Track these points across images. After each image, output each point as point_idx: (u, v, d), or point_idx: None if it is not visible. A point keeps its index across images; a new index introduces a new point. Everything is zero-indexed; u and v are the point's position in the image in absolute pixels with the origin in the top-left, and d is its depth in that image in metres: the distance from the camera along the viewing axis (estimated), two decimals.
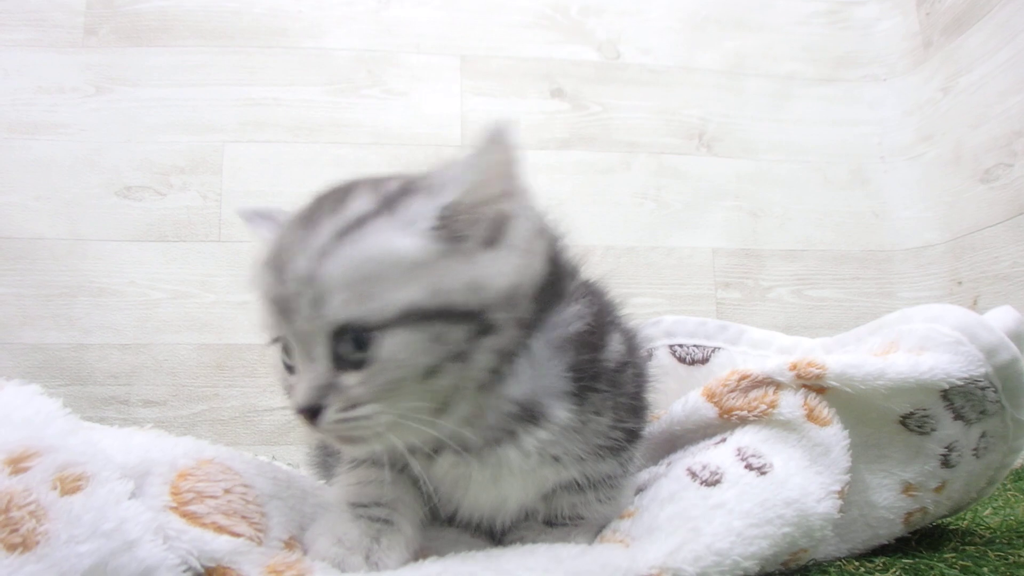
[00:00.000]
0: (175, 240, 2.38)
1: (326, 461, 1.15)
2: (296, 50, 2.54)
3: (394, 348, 0.80)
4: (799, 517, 0.96)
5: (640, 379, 1.02)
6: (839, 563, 1.04)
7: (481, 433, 0.88)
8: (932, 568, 0.98)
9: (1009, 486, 1.61)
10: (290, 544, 0.88)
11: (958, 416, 1.06)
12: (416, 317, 0.80)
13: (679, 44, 2.73)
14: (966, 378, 1.03)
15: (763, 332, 1.31)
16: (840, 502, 1.01)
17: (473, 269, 0.83)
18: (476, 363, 0.84)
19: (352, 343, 0.80)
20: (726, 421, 1.08)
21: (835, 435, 1.03)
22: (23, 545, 0.66)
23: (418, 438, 0.83)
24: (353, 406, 0.79)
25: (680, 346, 1.32)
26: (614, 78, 2.67)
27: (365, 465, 0.96)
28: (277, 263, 0.83)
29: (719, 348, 1.29)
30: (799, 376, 1.05)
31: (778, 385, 1.06)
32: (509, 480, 0.91)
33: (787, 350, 1.24)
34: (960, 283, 2.41)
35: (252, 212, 0.97)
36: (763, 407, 1.05)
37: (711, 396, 1.10)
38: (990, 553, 1.05)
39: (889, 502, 1.08)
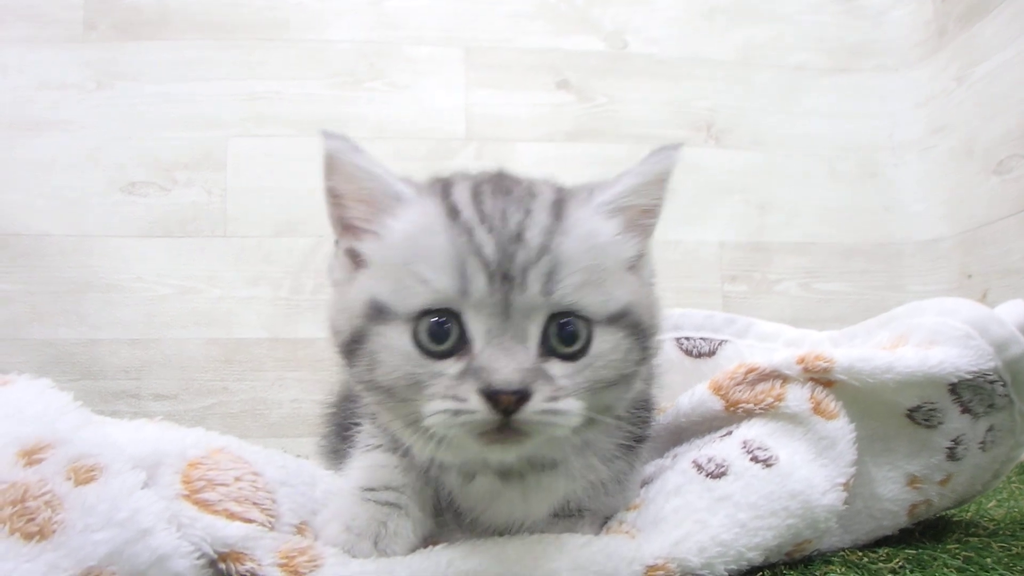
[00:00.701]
0: (181, 236, 2.39)
1: (337, 450, 1.15)
2: (297, 43, 2.53)
3: (606, 346, 0.80)
4: (804, 509, 0.97)
5: (649, 379, 1.02)
6: (843, 553, 1.04)
7: (529, 462, 0.89)
8: (935, 559, 0.99)
9: (1014, 479, 1.62)
10: (301, 529, 0.89)
11: (966, 410, 1.06)
12: (627, 323, 0.82)
13: (687, 34, 2.71)
14: (975, 372, 1.03)
15: (771, 325, 1.31)
16: (845, 494, 1.02)
17: (647, 289, 0.87)
18: (631, 390, 0.86)
19: (562, 331, 0.79)
20: (732, 414, 1.09)
21: (841, 428, 1.04)
22: (40, 534, 0.68)
23: (564, 450, 0.83)
24: (556, 399, 0.77)
25: (687, 339, 1.32)
26: (621, 69, 2.65)
27: (380, 450, 0.96)
28: (498, 222, 0.79)
29: (726, 341, 1.29)
30: (807, 370, 1.06)
31: (785, 378, 1.07)
32: (539, 500, 0.91)
33: (795, 343, 1.24)
34: (970, 276, 2.39)
35: (344, 140, 0.86)
36: (770, 400, 1.05)
37: (718, 389, 1.10)
38: (993, 544, 1.06)
39: (894, 494, 1.08)
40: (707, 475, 0.99)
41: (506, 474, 0.89)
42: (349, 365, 0.85)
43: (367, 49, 2.55)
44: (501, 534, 0.92)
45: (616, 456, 0.96)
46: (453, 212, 0.80)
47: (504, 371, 0.74)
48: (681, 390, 1.17)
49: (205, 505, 0.82)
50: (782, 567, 0.98)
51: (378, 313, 0.80)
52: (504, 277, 0.76)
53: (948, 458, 1.09)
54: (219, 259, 2.39)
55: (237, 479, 0.87)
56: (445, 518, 0.96)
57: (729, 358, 1.25)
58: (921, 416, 1.07)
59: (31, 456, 0.73)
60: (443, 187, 0.85)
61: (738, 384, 1.09)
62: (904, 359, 1.03)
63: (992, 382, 1.04)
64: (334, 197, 0.88)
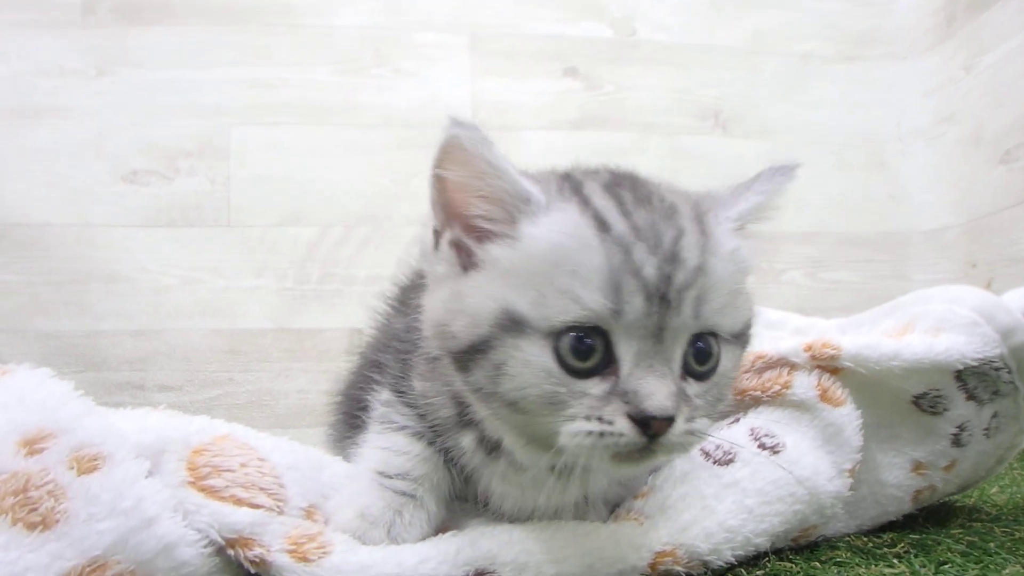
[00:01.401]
0: (184, 225, 2.36)
1: (344, 438, 1.15)
2: (302, 28, 2.50)
3: (729, 363, 0.81)
4: (810, 495, 0.98)
5: None
6: (848, 539, 1.06)
7: None
8: (939, 544, 1.00)
9: (1016, 465, 1.62)
10: (310, 513, 0.89)
11: (971, 396, 1.07)
12: (744, 337, 0.84)
13: (696, 21, 2.70)
14: (981, 359, 1.03)
15: (778, 313, 1.31)
16: (851, 480, 1.03)
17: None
18: None
19: (699, 351, 0.78)
20: (740, 401, 1.09)
21: (848, 415, 1.04)
22: (43, 524, 0.68)
23: None
24: (693, 419, 0.76)
25: None
26: (629, 56, 2.64)
27: (404, 433, 0.95)
28: (657, 244, 0.75)
29: None
30: (814, 357, 1.06)
31: (792, 366, 1.07)
32: (572, 492, 0.91)
33: (802, 331, 1.25)
34: (975, 265, 2.39)
35: (474, 129, 0.80)
36: (777, 388, 1.06)
37: None
38: (996, 529, 1.07)
39: (899, 480, 1.09)
40: (714, 462, 0.99)
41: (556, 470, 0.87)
42: (461, 371, 0.81)
43: (373, 35, 2.52)
44: (512, 520, 0.92)
45: None
46: (603, 224, 0.76)
47: (658, 396, 0.72)
48: None
49: (211, 491, 0.82)
50: (788, 553, 0.99)
51: (513, 324, 0.76)
52: (662, 299, 0.74)
53: (953, 444, 1.09)
54: (223, 249, 2.37)
55: (243, 465, 0.86)
56: (454, 505, 0.97)
57: None
58: (927, 403, 1.08)
59: (32, 446, 0.72)
60: (577, 190, 0.81)
61: (746, 372, 1.09)
62: (911, 346, 1.04)
63: (997, 369, 1.05)
64: (449, 187, 0.82)
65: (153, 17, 2.44)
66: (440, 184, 0.82)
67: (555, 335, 0.75)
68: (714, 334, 0.79)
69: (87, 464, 0.73)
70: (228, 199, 2.39)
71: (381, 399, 1.01)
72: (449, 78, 2.54)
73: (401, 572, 0.79)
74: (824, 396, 1.05)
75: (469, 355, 0.79)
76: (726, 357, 0.81)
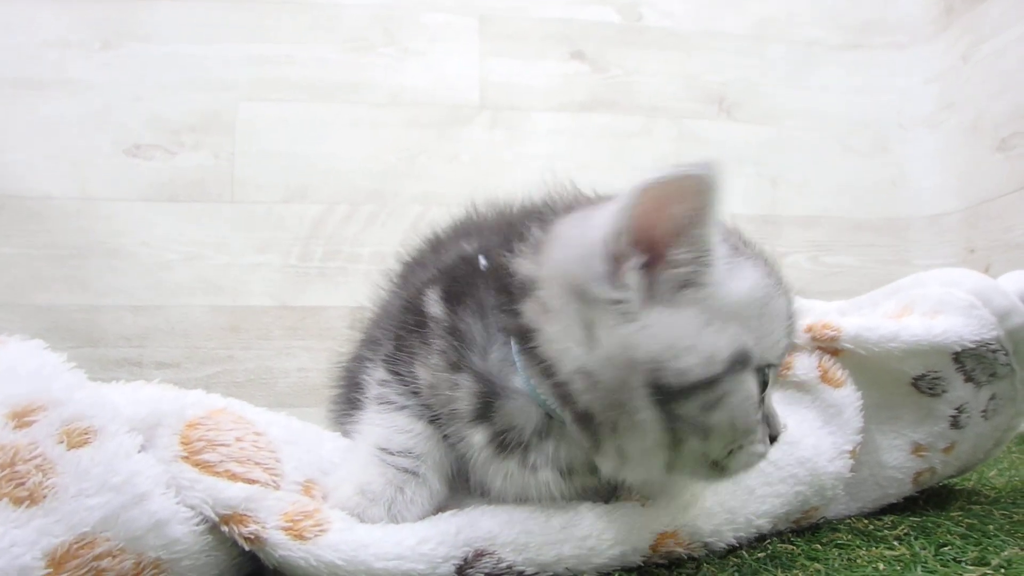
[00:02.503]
0: (187, 200, 2.34)
1: (345, 415, 1.12)
2: (311, 6, 2.48)
3: None
4: (811, 476, 0.99)
5: None
6: (849, 521, 1.06)
7: (589, 464, 0.90)
8: (939, 526, 1.00)
9: (1014, 449, 1.64)
10: (307, 488, 0.87)
11: (969, 378, 1.08)
12: None
13: (702, 7, 2.70)
14: (978, 341, 1.04)
15: None
16: (852, 461, 1.04)
17: None
18: None
19: None
20: None
21: (848, 396, 1.05)
22: (30, 499, 0.66)
23: None
24: None
25: None
26: (635, 41, 2.64)
27: (405, 413, 0.94)
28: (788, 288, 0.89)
29: None
30: (814, 338, 1.07)
31: (793, 347, 1.08)
32: (551, 495, 0.91)
33: (802, 313, 1.25)
34: (973, 251, 2.41)
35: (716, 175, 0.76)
36: None
37: None
38: (995, 512, 1.08)
39: (899, 462, 1.10)
40: None
41: (564, 471, 0.89)
42: (664, 402, 0.79)
43: (381, 14, 2.51)
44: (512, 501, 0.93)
45: None
46: (773, 275, 0.86)
47: (780, 417, 0.88)
48: None
49: (205, 466, 0.79)
50: (789, 535, 1.00)
51: (741, 363, 0.80)
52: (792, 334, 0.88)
53: (951, 426, 1.10)
54: (226, 225, 2.35)
55: (238, 439, 0.84)
56: (456, 483, 0.95)
57: None
58: (926, 385, 1.08)
59: (21, 418, 0.69)
60: (742, 247, 0.88)
61: None
62: (909, 328, 1.04)
63: (994, 351, 1.06)
64: (655, 217, 0.77)
65: None
66: (643, 208, 0.77)
67: (760, 370, 0.82)
68: None
69: (78, 438, 0.71)
70: (232, 175, 2.37)
71: (376, 377, 0.99)
72: (457, 59, 2.53)
73: (400, 551, 0.78)
74: (825, 377, 1.06)
75: (691, 390, 0.78)
76: None
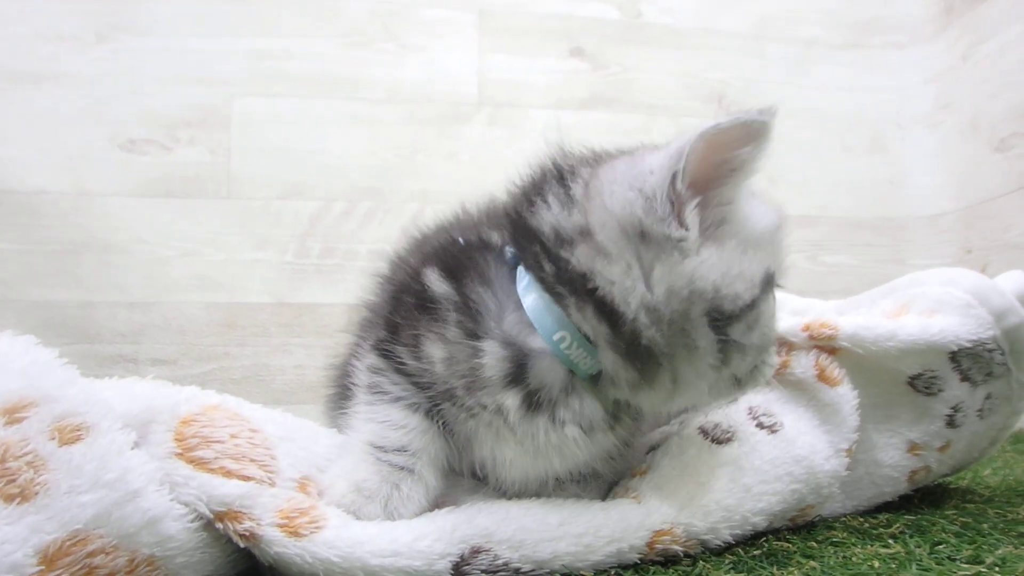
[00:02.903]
0: (183, 196, 2.32)
1: (339, 412, 1.10)
2: (309, 0, 2.46)
3: None
4: (808, 474, 0.99)
5: None
6: (845, 519, 1.07)
7: (606, 419, 0.92)
8: (934, 524, 1.01)
9: (1008, 448, 1.64)
10: (303, 485, 0.87)
11: (965, 378, 1.08)
12: None
13: (702, 5, 2.70)
14: (975, 340, 1.05)
15: (777, 293, 1.32)
16: (848, 460, 1.04)
17: None
18: None
19: None
20: None
21: (845, 395, 1.05)
22: (21, 496, 0.65)
23: None
24: None
25: None
26: (635, 38, 2.64)
27: (396, 405, 0.93)
28: None
29: None
30: (812, 337, 1.07)
31: (791, 346, 1.08)
32: (574, 454, 0.92)
33: (800, 312, 1.25)
34: (970, 251, 2.42)
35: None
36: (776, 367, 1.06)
37: None
38: (989, 511, 1.08)
39: (895, 461, 1.10)
40: (713, 440, 1.00)
41: (586, 427, 0.90)
42: (719, 326, 0.85)
43: (380, 9, 2.50)
44: (510, 491, 0.93)
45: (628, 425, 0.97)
46: (773, 206, 0.93)
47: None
48: None
49: (200, 463, 0.79)
50: (785, 532, 1.00)
51: (768, 284, 0.88)
52: None
53: (947, 425, 1.11)
54: (222, 221, 2.33)
55: (233, 436, 0.84)
56: (451, 479, 0.96)
57: None
58: (922, 384, 1.09)
59: (12, 415, 0.69)
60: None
61: None
62: (906, 327, 1.05)
63: (991, 351, 1.06)
64: (711, 160, 0.84)
65: None
66: (712, 153, 0.84)
67: (773, 289, 0.91)
68: None
69: (70, 434, 0.70)
70: (228, 170, 2.36)
71: (367, 363, 0.98)
72: (456, 54, 2.53)
73: (396, 548, 0.78)
74: (822, 376, 1.06)
75: (740, 312, 0.86)
76: None
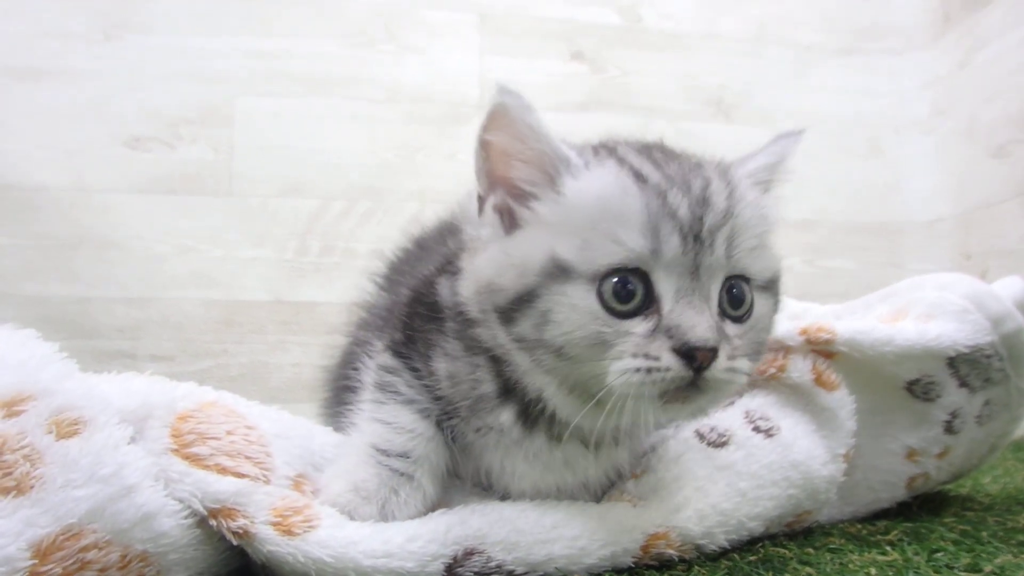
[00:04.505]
0: (183, 193, 2.33)
1: (338, 412, 1.10)
2: (310, 1, 2.47)
3: (763, 310, 0.84)
4: (804, 479, 0.98)
5: None
6: (842, 525, 1.06)
7: (612, 434, 0.91)
8: (932, 531, 1.00)
9: (1009, 456, 1.64)
10: (298, 483, 0.87)
11: (963, 384, 1.08)
12: (775, 290, 0.86)
13: (701, 9, 2.71)
14: (972, 346, 1.04)
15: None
16: (845, 465, 1.03)
17: None
18: None
19: (736, 295, 0.81)
20: None
21: (842, 399, 1.05)
22: (17, 489, 0.65)
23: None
24: (735, 357, 0.79)
25: None
26: (634, 42, 2.65)
27: (408, 408, 0.93)
28: (690, 189, 0.80)
29: None
30: (809, 341, 1.06)
31: (788, 349, 1.08)
32: (597, 467, 0.93)
33: (797, 316, 1.25)
34: (969, 257, 2.42)
35: (519, 97, 0.84)
36: (772, 371, 1.06)
37: None
38: (989, 519, 1.08)
39: (893, 466, 1.10)
40: (709, 444, 0.99)
41: (588, 442, 0.90)
42: (505, 323, 0.83)
43: (382, 10, 2.50)
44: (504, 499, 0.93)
45: (644, 440, 0.98)
46: (639, 176, 0.81)
47: (699, 328, 0.76)
48: None
49: (195, 459, 0.79)
50: (782, 538, 0.99)
51: (560, 272, 0.79)
52: (695, 238, 0.78)
53: (946, 431, 1.10)
54: (223, 218, 2.34)
55: (229, 432, 0.84)
56: (448, 481, 0.95)
57: None
58: (920, 389, 1.08)
59: (10, 408, 0.69)
60: (611, 152, 0.87)
61: None
62: (904, 332, 1.04)
63: (988, 356, 1.06)
64: (494, 152, 0.86)
65: None
66: (486, 150, 0.87)
67: (599, 279, 0.78)
68: (746, 279, 0.82)
69: (67, 428, 0.70)
70: (230, 168, 2.36)
71: (380, 362, 0.98)
72: (457, 56, 2.53)
73: (389, 549, 0.78)
74: (819, 380, 1.05)
75: (516, 306, 0.81)
76: (760, 303, 0.84)
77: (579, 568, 0.84)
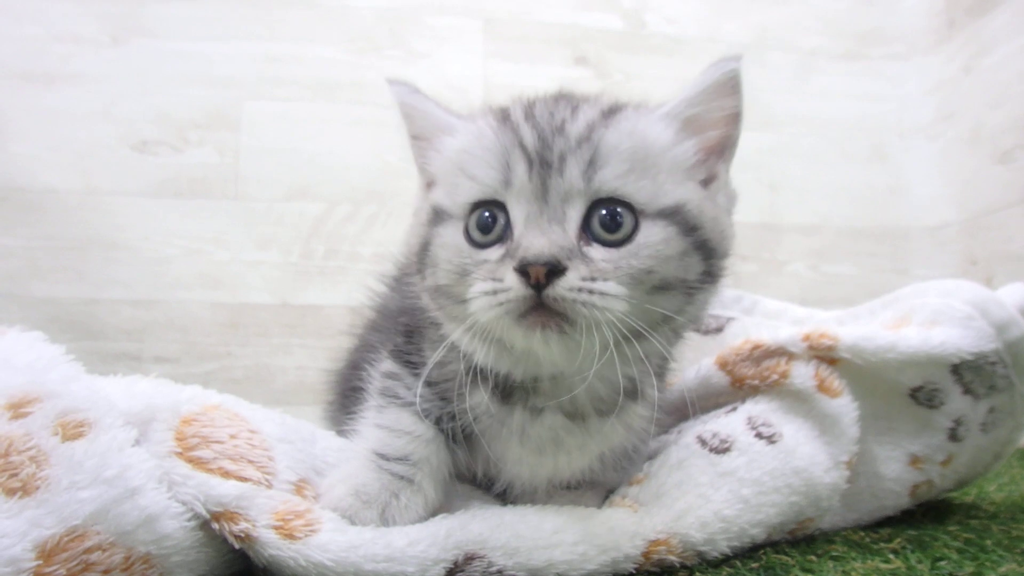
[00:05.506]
0: (190, 196, 2.34)
1: (340, 417, 1.12)
2: (317, 6, 2.49)
3: (654, 238, 0.82)
4: (807, 486, 0.98)
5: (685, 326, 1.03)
6: (845, 533, 1.06)
7: (592, 403, 0.91)
8: (936, 540, 1.00)
9: (1014, 464, 1.63)
10: (300, 488, 0.87)
11: (967, 391, 1.07)
12: (679, 221, 0.84)
13: (704, 14, 2.71)
14: (976, 353, 1.04)
15: (777, 303, 1.31)
16: (848, 472, 1.03)
17: (712, 204, 0.89)
18: (688, 309, 0.86)
19: (607, 219, 0.81)
20: (738, 390, 1.09)
21: (845, 406, 1.05)
22: (23, 490, 0.66)
23: (602, 348, 0.79)
24: (593, 279, 0.78)
25: None
26: (638, 47, 2.65)
27: (407, 410, 0.94)
28: (544, 120, 0.84)
29: (733, 318, 1.29)
30: (812, 347, 1.06)
31: (791, 355, 1.07)
32: (595, 445, 0.93)
33: (800, 321, 1.25)
34: (975, 263, 2.41)
35: (405, 84, 0.97)
36: (775, 377, 1.06)
37: (724, 364, 1.11)
38: (993, 527, 1.07)
39: (896, 474, 1.10)
40: (711, 450, 0.99)
41: (572, 414, 0.90)
42: (422, 279, 0.90)
43: (388, 15, 2.51)
44: (522, 497, 0.94)
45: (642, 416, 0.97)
46: (503, 118, 0.87)
47: (535, 246, 0.77)
48: (689, 366, 1.17)
49: (199, 463, 0.80)
50: (784, 546, 0.99)
51: (438, 217, 0.88)
52: (543, 164, 0.81)
53: (950, 439, 1.10)
54: (229, 221, 2.35)
55: (233, 436, 0.85)
56: (451, 486, 0.96)
57: (736, 335, 1.25)
58: (923, 396, 1.08)
59: (17, 409, 0.70)
60: (501, 109, 0.91)
61: (744, 360, 1.09)
62: (907, 339, 1.04)
63: (993, 363, 1.06)
64: (412, 140, 0.97)
65: None
66: (410, 141, 0.98)
67: (465, 216, 0.86)
68: (624, 203, 0.82)
69: (72, 430, 0.71)
70: (236, 172, 2.37)
71: (383, 369, 1.00)
72: (461, 61, 2.54)
73: (390, 553, 0.78)
74: (822, 386, 1.05)
75: (420, 259, 0.90)
76: (649, 231, 0.82)
77: (579, 574, 0.83)
